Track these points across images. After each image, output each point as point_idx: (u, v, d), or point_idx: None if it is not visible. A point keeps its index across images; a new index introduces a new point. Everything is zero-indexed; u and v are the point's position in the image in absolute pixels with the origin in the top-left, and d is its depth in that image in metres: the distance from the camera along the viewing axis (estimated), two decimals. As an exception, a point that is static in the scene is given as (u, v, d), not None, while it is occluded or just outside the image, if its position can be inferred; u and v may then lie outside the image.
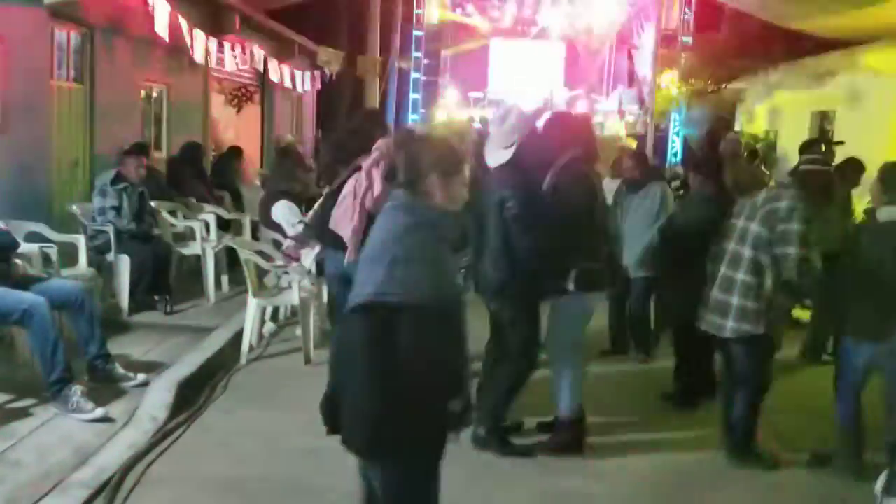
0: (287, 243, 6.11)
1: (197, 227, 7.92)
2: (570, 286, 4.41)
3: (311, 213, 5.68)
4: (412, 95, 21.60)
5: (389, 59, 19.85)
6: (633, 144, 12.50)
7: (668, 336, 6.04)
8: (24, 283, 4.94)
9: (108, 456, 4.20)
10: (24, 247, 5.57)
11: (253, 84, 13.96)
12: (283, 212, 6.42)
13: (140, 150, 7.45)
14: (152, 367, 5.52)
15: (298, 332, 6.41)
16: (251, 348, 6.21)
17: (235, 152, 11.06)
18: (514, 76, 21.32)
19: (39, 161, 7.31)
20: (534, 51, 22.04)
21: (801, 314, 6.73)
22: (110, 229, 6.85)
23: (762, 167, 8.86)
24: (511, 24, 22.29)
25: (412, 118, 21.10)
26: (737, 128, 16.15)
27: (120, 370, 5.18)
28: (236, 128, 14.41)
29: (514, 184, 4.35)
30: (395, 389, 2.46)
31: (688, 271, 4.83)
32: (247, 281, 6.14)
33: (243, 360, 6.07)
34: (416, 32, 21.18)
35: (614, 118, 19.94)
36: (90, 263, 6.61)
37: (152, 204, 7.54)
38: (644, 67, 18.82)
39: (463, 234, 4.43)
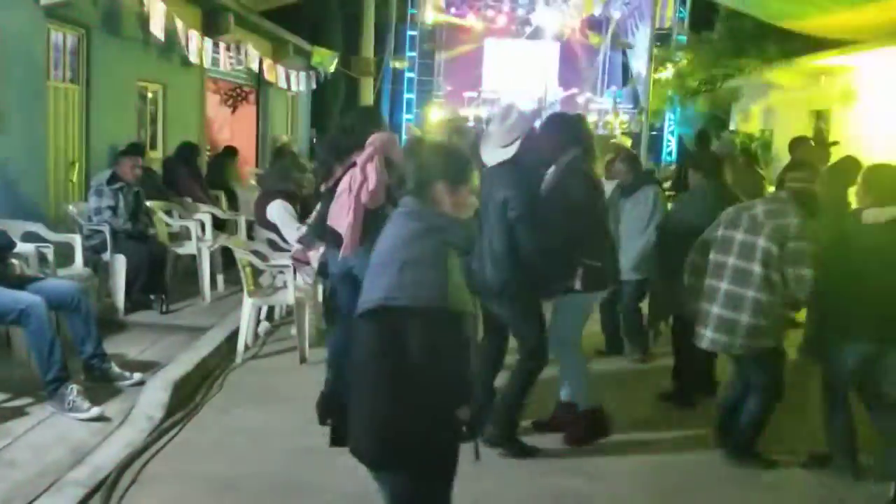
0: (295, 247, 6.06)
1: (192, 226, 7.93)
2: (577, 285, 4.43)
3: (314, 213, 5.65)
4: (406, 95, 21.63)
5: (384, 59, 19.86)
6: (628, 143, 12.50)
7: (666, 336, 6.06)
8: (21, 282, 4.94)
9: (104, 455, 4.21)
10: (21, 247, 5.56)
11: (248, 84, 13.96)
12: (279, 212, 6.44)
13: (136, 150, 7.46)
14: (148, 367, 5.53)
15: (294, 331, 6.44)
16: (247, 347, 6.23)
17: (230, 152, 11.11)
18: (508, 75, 21.38)
19: (36, 161, 7.31)
20: (528, 50, 22.11)
21: (798, 315, 6.73)
22: (106, 229, 6.86)
23: (759, 170, 8.84)
24: (505, 24, 22.35)
25: (406, 118, 21.11)
26: (732, 127, 16.17)
27: (116, 369, 5.19)
28: (231, 128, 14.40)
29: (515, 184, 4.33)
30: (405, 396, 2.46)
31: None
32: (242, 280, 6.16)
33: (239, 360, 6.08)
34: (409, 32, 21.21)
35: (609, 117, 20.01)
36: (86, 263, 6.61)
37: (148, 204, 7.55)
38: (639, 66, 18.88)
39: (471, 239, 4.42)
